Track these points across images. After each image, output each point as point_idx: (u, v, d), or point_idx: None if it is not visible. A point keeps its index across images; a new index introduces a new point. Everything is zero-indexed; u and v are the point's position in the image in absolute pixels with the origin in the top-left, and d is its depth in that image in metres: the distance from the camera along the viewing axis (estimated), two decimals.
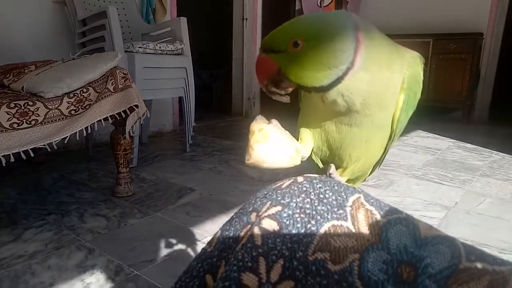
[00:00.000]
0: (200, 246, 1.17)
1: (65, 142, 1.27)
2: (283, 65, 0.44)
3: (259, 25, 3.56)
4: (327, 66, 0.43)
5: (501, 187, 1.78)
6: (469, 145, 2.65)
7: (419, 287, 0.21)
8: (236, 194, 1.62)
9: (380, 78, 0.45)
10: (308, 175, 0.28)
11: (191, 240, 1.21)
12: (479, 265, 0.21)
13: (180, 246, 1.17)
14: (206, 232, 1.26)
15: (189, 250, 1.15)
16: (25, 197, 1.52)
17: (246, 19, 3.54)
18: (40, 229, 1.25)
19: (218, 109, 4.00)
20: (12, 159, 1.15)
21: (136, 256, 1.10)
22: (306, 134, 0.54)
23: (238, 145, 2.54)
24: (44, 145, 1.23)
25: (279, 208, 0.25)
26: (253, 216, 0.26)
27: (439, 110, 3.80)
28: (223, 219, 1.37)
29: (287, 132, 0.50)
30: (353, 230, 0.23)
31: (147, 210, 1.42)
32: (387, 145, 0.55)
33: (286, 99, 0.48)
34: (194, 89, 2.24)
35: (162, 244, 1.18)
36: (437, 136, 2.98)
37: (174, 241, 1.20)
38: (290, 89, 0.47)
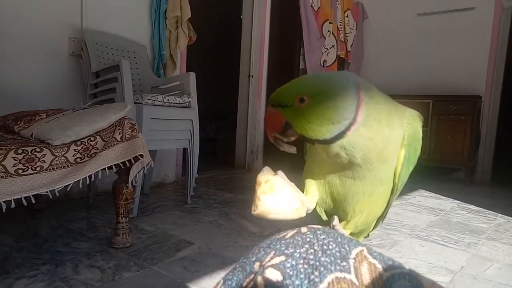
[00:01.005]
0: None
1: (68, 189, 1.27)
2: (290, 118, 0.47)
3: (264, 82, 3.71)
4: (330, 121, 0.45)
5: (509, 251, 1.73)
6: (473, 207, 2.62)
7: None
8: (235, 249, 1.58)
9: (380, 134, 0.47)
10: (312, 226, 0.28)
11: None
12: None
13: None
14: None
15: None
16: (21, 244, 1.49)
17: (252, 76, 3.69)
18: (32, 279, 1.21)
19: (221, 161, 4.02)
20: (13, 205, 1.14)
21: None
22: (311, 186, 0.55)
23: (240, 198, 2.52)
24: (47, 191, 1.24)
25: (282, 258, 0.25)
26: (256, 265, 0.26)
27: (441, 170, 3.81)
28: (221, 275, 1.32)
29: (292, 184, 0.51)
30: (357, 283, 0.23)
31: (143, 263, 1.38)
32: (389, 199, 0.56)
33: (293, 150, 0.50)
34: (199, 141, 2.28)
35: None
36: (440, 196, 2.95)
37: None
38: (293, 138, 0.50)
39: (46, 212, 1.94)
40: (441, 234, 1.93)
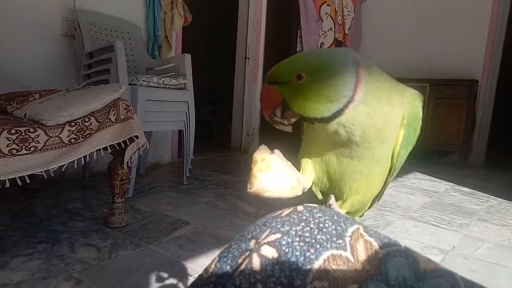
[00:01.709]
0: (190, 281, 1.14)
1: (62, 170, 1.27)
2: (287, 96, 0.46)
3: (261, 64, 3.67)
4: (328, 99, 0.45)
5: (499, 232, 1.76)
6: (466, 189, 2.65)
7: None
8: (231, 229, 1.59)
9: (380, 112, 0.47)
10: (308, 204, 0.28)
11: (182, 275, 1.17)
12: None
13: (171, 281, 1.13)
14: (199, 267, 1.23)
15: (180, 284, 1.12)
16: (17, 224, 1.50)
17: (249, 58, 3.65)
18: (28, 257, 1.22)
19: (217, 144, 4.02)
20: (8, 185, 1.14)
21: None
22: (308, 165, 0.55)
23: (236, 179, 2.53)
24: (42, 172, 1.23)
25: (278, 235, 0.25)
26: (252, 243, 0.26)
27: (436, 153, 3.84)
28: (217, 253, 1.33)
29: (289, 162, 0.51)
30: (352, 260, 0.23)
31: (139, 242, 1.39)
32: (386, 179, 0.56)
33: (289, 129, 0.50)
34: (194, 123, 2.27)
35: (153, 277, 1.14)
36: (434, 178, 2.98)
37: (165, 275, 1.17)
38: (293, 120, 0.49)
39: (41, 192, 1.94)
40: (434, 215, 1.96)
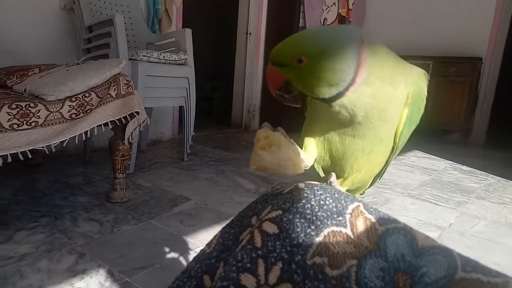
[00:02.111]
0: (192, 255, 1.16)
1: (64, 145, 1.27)
2: (290, 77, 0.47)
3: (263, 40, 3.61)
4: (328, 82, 0.45)
5: (496, 210, 1.79)
6: (465, 167, 2.66)
7: None
8: (231, 205, 1.61)
9: (383, 93, 0.47)
10: (309, 182, 0.28)
11: (183, 249, 1.20)
12: (474, 276, 0.22)
13: (173, 255, 1.16)
14: (200, 242, 1.25)
15: (181, 259, 1.14)
16: (19, 198, 1.51)
17: (250, 33, 3.58)
18: (32, 231, 1.24)
19: (218, 120, 4.01)
20: (10, 160, 1.15)
21: (127, 262, 1.09)
22: (310, 143, 0.55)
23: (236, 156, 2.54)
24: (43, 147, 1.23)
25: (279, 212, 0.25)
26: (253, 219, 0.27)
27: (437, 131, 3.83)
28: (217, 229, 1.35)
29: (291, 140, 0.51)
30: (352, 237, 0.24)
31: (141, 217, 1.41)
32: (388, 158, 0.56)
33: (297, 104, 0.50)
34: (195, 99, 2.26)
35: (154, 251, 1.17)
36: (434, 157, 2.99)
37: (166, 249, 1.19)
38: (300, 96, 0.50)
39: (43, 167, 1.95)
40: (432, 193, 1.98)
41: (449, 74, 3.57)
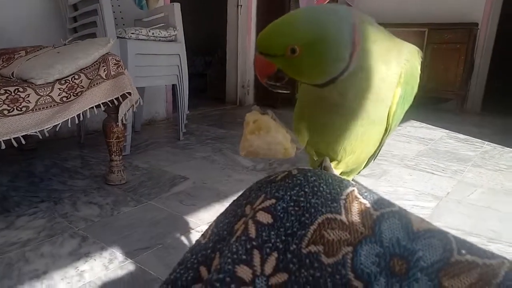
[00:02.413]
0: (193, 235, 1.18)
1: (57, 129, 1.26)
2: (282, 66, 0.45)
3: (254, 13, 3.53)
4: (323, 70, 0.44)
5: (492, 177, 1.81)
6: (461, 136, 2.67)
7: (411, 279, 0.21)
8: (229, 183, 1.62)
9: (376, 74, 0.46)
10: (303, 167, 0.28)
11: (184, 229, 1.21)
12: (469, 258, 0.22)
13: (174, 235, 1.17)
14: (200, 221, 1.26)
15: (183, 238, 1.16)
16: (17, 184, 1.51)
17: (241, 5, 3.49)
18: (32, 216, 1.25)
19: (212, 97, 3.97)
20: (3, 146, 1.14)
21: (129, 244, 1.10)
22: (302, 125, 0.55)
23: (232, 133, 2.53)
24: (36, 132, 1.22)
25: (273, 201, 0.25)
26: (247, 208, 0.26)
27: (432, 100, 3.82)
28: (217, 207, 1.37)
29: (282, 124, 0.50)
30: (347, 223, 0.23)
31: (140, 198, 1.42)
32: (382, 138, 0.56)
33: (287, 90, 0.49)
34: (188, 77, 2.22)
35: (156, 232, 1.18)
36: (430, 126, 3.00)
37: (167, 229, 1.20)
38: (290, 82, 0.48)
39: (39, 152, 1.94)
40: (429, 163, 2.00)
41: (444, 41, 3.52)
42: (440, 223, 1.31)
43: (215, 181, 1.63)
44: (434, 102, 3.86)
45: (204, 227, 1.22)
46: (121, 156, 1.54)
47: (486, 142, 2.49)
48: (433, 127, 2.97)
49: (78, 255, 1.03)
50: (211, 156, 2.00)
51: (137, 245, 1.10)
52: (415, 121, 3.15)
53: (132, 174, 1.67)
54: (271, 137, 0.46)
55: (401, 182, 1.71)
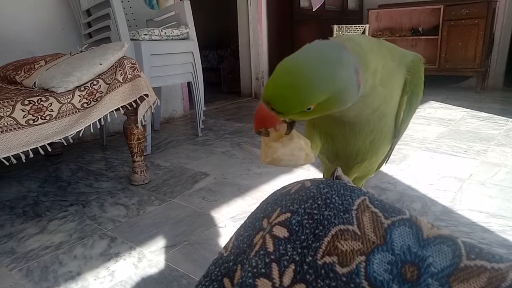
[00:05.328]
0: (217, 230, 1.21)
1: (80, 134, 1.30)
2: (290, 118, 0.44)
3: (264, 4, 3.50)
4: (336, 111, 0.44)
5: None
6: (483, 114, 2.61)
7: (422, 285, 0.22)
8: (249, 177, 1.64)
9: (382, 92, 0.46)
10: (315, 178, 0.29)
11: (208, 225, 1.24)
12: (478, 263, 0.22)
13: (199, 231, 1.20)
14: (223, 216, 1.29)
15: (207, 234, 1.19)
16: (46, 189, 1.58)
17: None
18: (63, 220, 1.30)
19: (227, 91, 3.99)
20: (31, 155, 1.19)
21: (156, 242, 1.14)
22: (313, 133, 0.56)
23: (249, 127, 2.55)
24: (61, 139, 1.27)
25: (288, 215, 0.26)
26: (264, 222, 0.28)
27: (452, 79, 3.73)
28: (238, 202, 1.40)
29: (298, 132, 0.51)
30: (359, 233, 0.25)
31: (164, 197, 1.46)
32: (392, 143, 0.57)
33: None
34: (202, 73, 2.24)
35: (181, 229, 1.22)
36: (450, 106, 2.93)
37: (191, 226, 1.24)
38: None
39: (64, 156, 2.01)
40: (450, 145, 1.96)
41: (462, 16, 3.41)
42: (463, 206, 1.29)
43: (235, 176, 1.65)
44: (454, 81, 3.77)
45: (227, 222, 1.25)
46: (142, 157, 1.59)
47: (510, 119, 2.42)
48: (454, 106, 2.90)
49: (109, 255, 1.08)
50: (230, 150, 2.02)
51: (164, 243, 1.13)
52: (434, 102, 3.08)
53: (155, 173, 1.71)
54: (295, 143, 0.47)
55: (422, 166, 1.69)
